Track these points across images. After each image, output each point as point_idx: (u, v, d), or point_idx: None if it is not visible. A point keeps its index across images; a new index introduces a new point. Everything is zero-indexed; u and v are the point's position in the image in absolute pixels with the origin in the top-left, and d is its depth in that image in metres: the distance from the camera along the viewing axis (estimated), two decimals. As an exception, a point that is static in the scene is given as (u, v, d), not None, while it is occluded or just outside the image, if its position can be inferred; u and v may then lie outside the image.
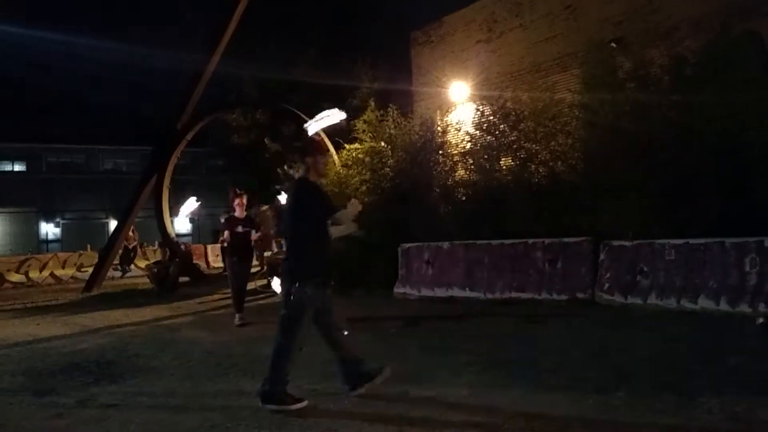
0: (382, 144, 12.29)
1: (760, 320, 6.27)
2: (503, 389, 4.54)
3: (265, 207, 14.77)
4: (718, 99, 7.64)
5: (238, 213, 8.70)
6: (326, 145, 4.84)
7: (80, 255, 20.39)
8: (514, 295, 8.98)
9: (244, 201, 8.83)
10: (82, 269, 19.19)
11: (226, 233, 8.55)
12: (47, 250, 29.73)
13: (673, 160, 8.08)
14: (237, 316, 8.55)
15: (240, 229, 8.51)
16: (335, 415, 4.22)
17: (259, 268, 13.53)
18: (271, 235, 13.68)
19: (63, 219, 34.76)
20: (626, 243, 8.21)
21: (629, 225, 8.28)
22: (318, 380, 5.01)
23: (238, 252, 8.59)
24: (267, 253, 14.30)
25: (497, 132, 10.64)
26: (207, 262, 21.34)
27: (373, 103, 12.81)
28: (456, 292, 9.62)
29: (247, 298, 9.09)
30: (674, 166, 8.06)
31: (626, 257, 8.15)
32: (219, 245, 14.93)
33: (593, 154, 9.12)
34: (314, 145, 5.16)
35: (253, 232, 8.64)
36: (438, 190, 11.40)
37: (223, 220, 9.27)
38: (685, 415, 3.83)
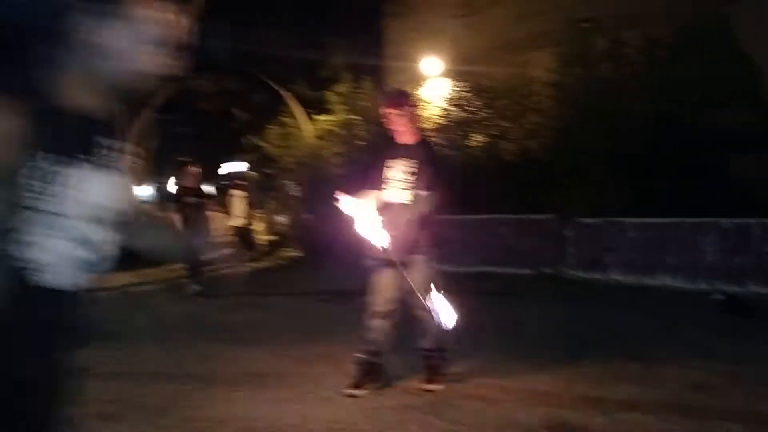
0: (352, 116, 12.25)
1: (718, 296, 6.56)
2: (471, 358, 4.64)
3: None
4: (690, 77, 7.85)
5: (191, 183, 8.59)
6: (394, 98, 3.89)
7: None
8: (483, 269, 9.18)
9: (196, 172, 8.72)
10: None
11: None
12: None
13: (642, 140, 8.25)
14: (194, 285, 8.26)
15: (192, 200, 8.39)
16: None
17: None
18: None
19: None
20: (592, 221, 8.44)
21: (596, 203, 8.49)
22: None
23: (190, 222, 8.18)
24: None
25: (469, 108, 10.71)
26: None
27: (347, 75, 12.75)
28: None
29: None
30: (643, 146, 8.23)
31: (591, 234, 8.40)
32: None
33: (564, 132, 9.28)
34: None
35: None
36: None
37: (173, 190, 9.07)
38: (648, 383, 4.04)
